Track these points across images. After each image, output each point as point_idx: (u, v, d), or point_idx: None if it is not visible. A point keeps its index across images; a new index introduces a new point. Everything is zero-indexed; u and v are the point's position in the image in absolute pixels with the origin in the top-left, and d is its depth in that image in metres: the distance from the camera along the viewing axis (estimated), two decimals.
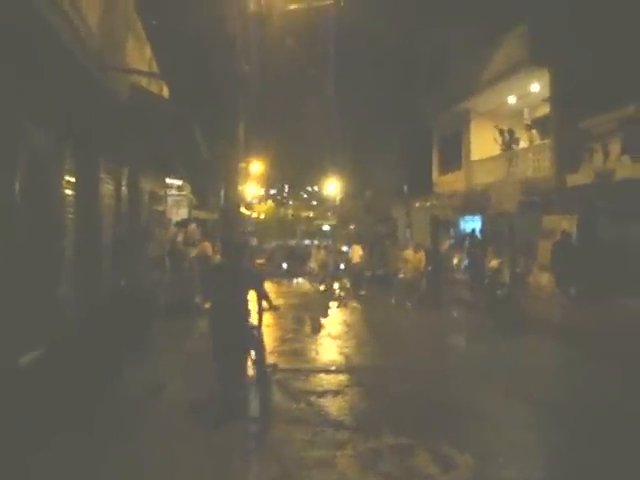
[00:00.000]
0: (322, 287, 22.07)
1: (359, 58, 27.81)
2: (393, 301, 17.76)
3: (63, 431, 5.85)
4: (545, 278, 17.45)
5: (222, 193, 15.98)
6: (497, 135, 21.08)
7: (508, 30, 18.57)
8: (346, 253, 25.79)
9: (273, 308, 8.14)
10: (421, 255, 17.58)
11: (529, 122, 20.29)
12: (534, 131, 19.43)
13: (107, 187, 10.36)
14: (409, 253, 17.81)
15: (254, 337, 7.33)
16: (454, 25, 21.70)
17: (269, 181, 58.32)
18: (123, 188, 11.38)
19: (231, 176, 15.35)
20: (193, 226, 16.93)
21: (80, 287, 8.79)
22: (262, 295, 7.50)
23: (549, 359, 10.74)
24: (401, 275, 18.26)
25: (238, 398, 7.16)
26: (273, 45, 18.19)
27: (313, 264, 23.59)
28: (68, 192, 8.49)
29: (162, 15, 10.99)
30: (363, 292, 20.51)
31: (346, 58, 27.17)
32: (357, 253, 21.88)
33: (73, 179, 8.61)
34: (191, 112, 10.35)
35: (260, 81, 20.88)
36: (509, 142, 20.50)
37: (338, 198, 44.93)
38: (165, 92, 12.70)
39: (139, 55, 10.04)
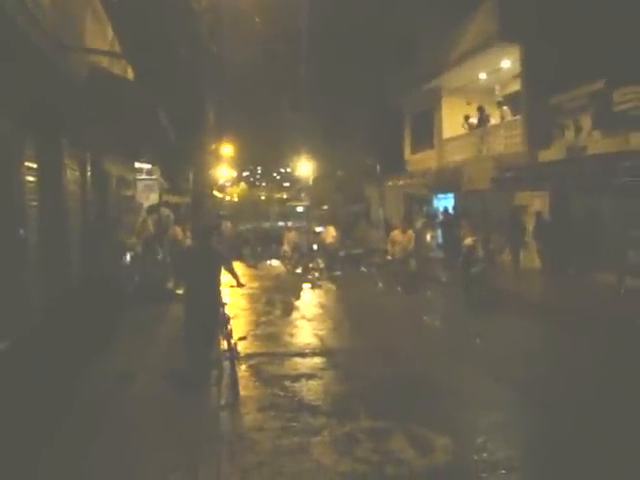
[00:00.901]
0: (295, 269, 21.92)
1: (329, 36, 27.42)
2: (380, 285, 17.36)
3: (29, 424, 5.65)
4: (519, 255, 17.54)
5: (191, 176, 15.65)
6: (471, 113, 21.03)
7: (478, 5, 18.41)
8: (319, 234, 25.63)
9: (239, 285, 8.43)
10: (410, 235, 16.88)
11: (500, 99, 20.24)
12: (505, 108, 19.37)
13: (72, 172, 10.03)
14: (397, 234, 17.03)
15: (225, 315, 8.05)
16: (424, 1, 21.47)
17: (241, 163, 57.82)
18: (89, 173, 11.04)
19: (201, 159, 15.02)
20: (165, 211, 16.61)
21: (46, 276, 8.52)
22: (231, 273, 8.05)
23: (525, 336, 10.73)
24: (389, 257, 17.53)
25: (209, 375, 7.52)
26: (240, 23, 17.79)
27: (285, 246, 23.31)
28: (30, 178, 8.18)
29: None
30: (338, 272, 20.40)
31: (316, 36, 26.74)
32: (330, 234, 21.73)
33: (35, 165, 8.30)
34: (156, 94, 10.03)
35: (228, 61, 20.44)
36: (481, 119, 20.44)
37: (311, 179, 44.66)
38: (130, 75, 12.34)
39: (100, 36, 9.68)
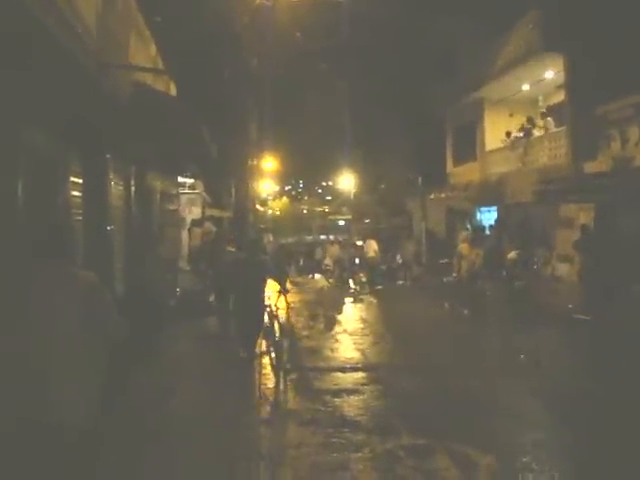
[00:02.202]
0: (337, 283, 21.92)
1: (370, 50, 27.48)
2: (446, 306, 16.08)
3: None
4: (564, 269, 17.15)
5: (233, 190, 15.81)
6: (513, 129, 20.73)
7: (521, 16, 18.20)
8: (361, 247, 25.61)
9: (284, 291, 9.43)
10: (478, 251, 15.48)
11: (544, 110, 19.93)
12: (549, 119, 19.06)
13: (116, 187, 10.24)
14: (464, 247, 15.79)
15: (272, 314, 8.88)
16: (466, 12, 21.32)
17: (283, 177, 58.25)
18: (133, 188, 11.24)
19: (242, 173, 15.17)
20: (209, 225, 16.81)
21: None
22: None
23: (570, 352, 10.46)
24: (454, 274, 16.40)
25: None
26: (281, 39, 17.96)
27: (327, 260, 23.33)
28: (75, 193, 8.37)
29: (166, 12, 10.80)
30: (379, 286, 20.31)
31: (356, 50, 26.83)
32: (372, 247, 21.65)
33: (80, 180, 8.48)
34: (198, 109, 10.17)
35: (269, 76, 20.64)
36: (525, 131, 20.12)
37: (352, 192, 44.62)
38: (173, 91, 12.56)
39: (143, 54, 9.88)
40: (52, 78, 5.90)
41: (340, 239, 30.21)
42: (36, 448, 3.28)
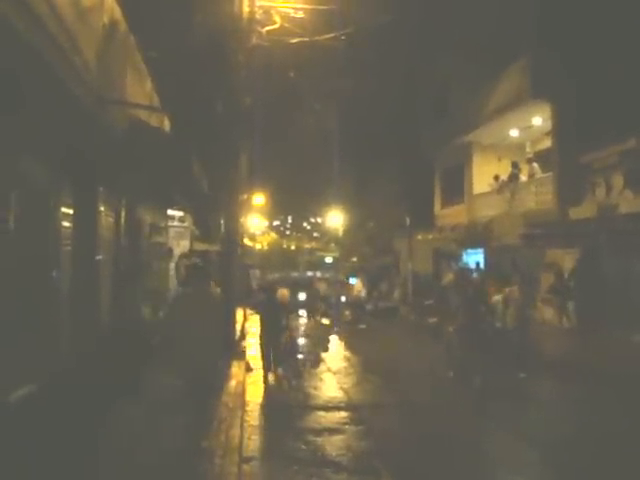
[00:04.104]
0: (322, 320, 21.88)
1: (362, 91, 27.91)
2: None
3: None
4: (548, 312, 17.30)
5: (222, 225, 15.85)
6: (501, 173, 21.02)
7: (510, 63, 18.62)
8: (347, 286, 25.67)
9: None
10: (514, 290, 13.54)
11: (531, 155, 20.30)
12: (535, 164, 19.39)
13: (106, 219, 10.26)
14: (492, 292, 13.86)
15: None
16: (456, 58, 21.79)
17: (272, 213, 58.34)
18: (122, 220, 11.27)
19: (232, 208, 15.24)
20: (194, 259, 16.75)
21: (76, 321, 8.63)
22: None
23: (558, 398, 10.47)
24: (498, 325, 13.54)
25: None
26: (275, 79, 18.25)
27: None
28: (65, 224, 8.40)
29: (162, 46, 10.97)
30: (363, 326, 20.29)
31: (349, 91, 27.25)
32: (357, 287, 21.72)
33: (71, 211, 8.52)
34: (191, 145, 10.29)
35: (261, 114, 20.88)
36: (512, 175, 20.42)
37: (341, 230, 44.80)
38: (167, 125, 12.69)
39: (139, 88, 10.01)
40: (50, 111, 6.00)
41: (327, 276, 30.16)
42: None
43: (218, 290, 8.58)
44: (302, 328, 19.82)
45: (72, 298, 8.59)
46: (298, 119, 29.60)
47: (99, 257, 9.68)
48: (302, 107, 25.29)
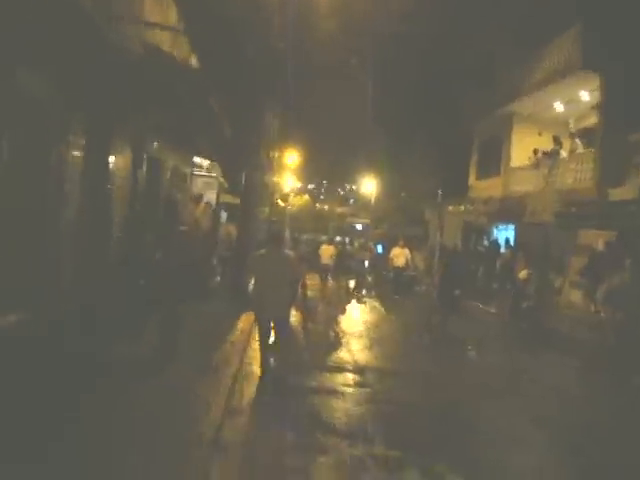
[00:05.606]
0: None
1: (402, 57, 27.10)
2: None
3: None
4: (576, 296, 16.62)
5: (243, 178, 15.40)
6: (541, 147, 20.17)
7: (560, 31, 17.70)
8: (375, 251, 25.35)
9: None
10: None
11: (574, 130, 19.39)
12: (578, 140, 18.51)
13: (122, 153, 9.91)
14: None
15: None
16: (503, 26, 20.88)
17: (308, 175, 58.00)
18: (140, 156, 10.91)
19: (255, 161, 14.78)
20: (202, 204, 16.30)
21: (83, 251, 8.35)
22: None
23: (562, 376, 10.02)
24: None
25: None
26: (311, 28, 17.57)
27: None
28: (76, 153, 8.06)
29: None
30: (397, 296, 19.73)
31: (388, 55, 26.43)
32: (405, 255, 20.75)
33: (82, 140, 8.17)
34: (211, 81, 9.80)
35: (295, 64, 20.18)
36: (552, 151, 19.56)
37: (373, 197, 44.26)
38: (194, 62, 12.21)
39: (161, 17, 9.53)
40: (55, 19, 5.61)
41: (370, 244, 29.49)
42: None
43: (291, 253, 9.58)
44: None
45: (79, 232, 8.31)
46: (336, 79, 28.89)
47: (111, 186, 9.40)
48: (339, 65, 24.53)
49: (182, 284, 8.55)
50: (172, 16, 10.18)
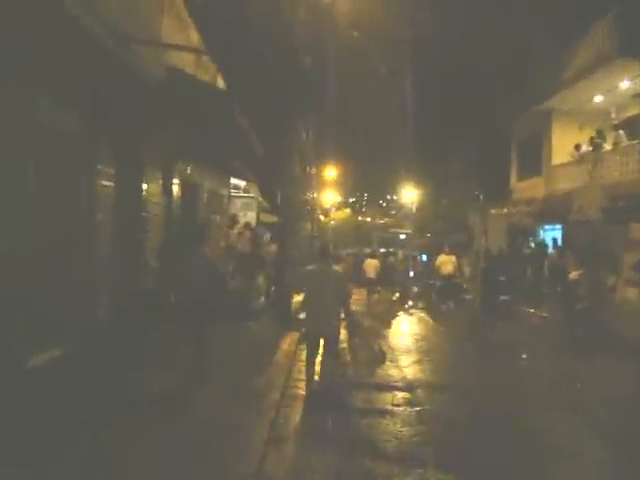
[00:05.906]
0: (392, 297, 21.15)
1: (435, 62, 26.75)
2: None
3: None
4: (632, 293, 15.93)
5: (279, 195, 15.28)
6: (582, 142, 19.55)
7: (595, 19, 17.18)
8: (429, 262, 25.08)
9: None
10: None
11: (616, 122, 18.75)
12: (621, 132, 17.88)
13: (153, 180, 9.87)
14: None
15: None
16: (536, 20, 20.39)
17: (348, 189, 58.03)
18: (174, 182, 10.87)
19: (290, 178, 14.63)
20: (239, 225, 16.26)
21: (117, 284, 8.30)
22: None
23: (628, 385, 9.41)
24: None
25: None
26: (339, 39, 17.40)
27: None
28: (104, 183, 8.01)
29: None
30: (450, 305, 18.82)
31: (422, 62, 26.12)
32: (452, 262, 19.72)
33: (111, 170, 8.13)
34: (243, 102, 9.68)
35: (327, 79, 20.06)
36: (595, 145, 18.93)
37: (414, 206, 43.90)
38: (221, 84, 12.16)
39: (181, 40, 9.48)
40: (67, 51, 5.56)
41: (415, 254, 29.21)
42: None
43: (338, 268, 9.81)
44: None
45: (113, 260, 8.25)
46: (367, 87, 28.64)
47: (145, 214, 9.37)
48: (369, 71, 24.20)
49: (211, 306, 8.40)
50: (194, 37, 10.14)
